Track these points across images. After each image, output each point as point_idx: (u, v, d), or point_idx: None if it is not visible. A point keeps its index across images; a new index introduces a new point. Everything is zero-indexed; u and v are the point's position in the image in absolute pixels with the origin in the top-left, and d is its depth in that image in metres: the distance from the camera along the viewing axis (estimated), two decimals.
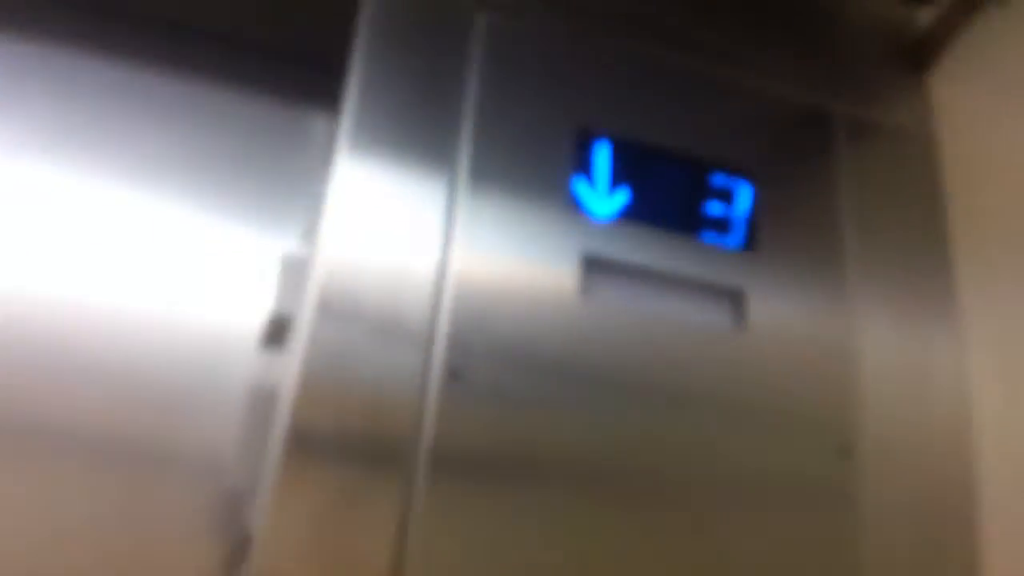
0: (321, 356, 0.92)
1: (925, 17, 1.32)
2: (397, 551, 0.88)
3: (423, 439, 0.92)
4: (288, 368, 0.98)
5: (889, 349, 1.12)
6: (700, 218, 1.12)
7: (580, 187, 1.09)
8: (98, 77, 1.27)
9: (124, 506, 1.10)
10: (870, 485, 1.05)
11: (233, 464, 1.13)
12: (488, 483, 0.94)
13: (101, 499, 1.09)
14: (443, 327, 0.97)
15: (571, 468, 0.97)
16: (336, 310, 0.95)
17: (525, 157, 1.08)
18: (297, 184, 1.29)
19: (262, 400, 1.11)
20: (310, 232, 1.16)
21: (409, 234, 1.00)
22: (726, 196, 1.14)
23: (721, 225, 1.13)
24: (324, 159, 1.21)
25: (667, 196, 1.13)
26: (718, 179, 1.15)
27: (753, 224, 1.14)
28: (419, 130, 1.05)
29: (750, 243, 1.13)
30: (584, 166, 1.10)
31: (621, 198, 1.10)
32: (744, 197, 1.15)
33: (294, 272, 1.09)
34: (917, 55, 1.31)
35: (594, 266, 1.05)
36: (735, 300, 1.09)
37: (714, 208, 1.13)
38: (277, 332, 1.14)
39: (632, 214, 1.10)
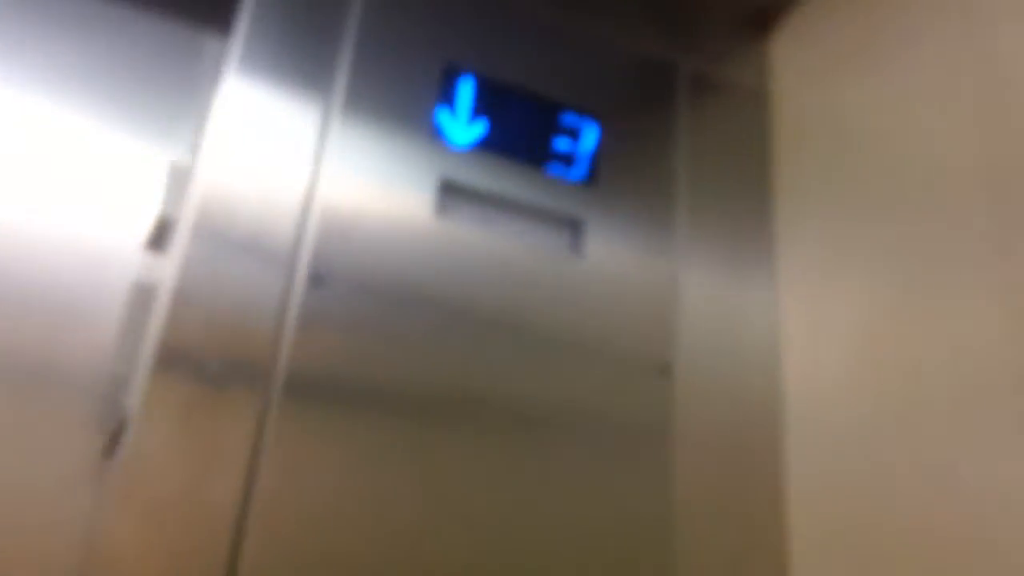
0: (197, 261, 1.01)
1: None
2: (253, 444, 0.97)
3: (283, 346, 1.02)
4: (167, 270, 1.07)
5: (710, 285, 1.27)
6: (549, 152, 1.25)
7: (443, 117, 1.20)
8: None
9: (13, 404, 1.16)
10: (685, 404, 1.18)
11: (114, 360, 1.21)
12: (338, 404, 1.03)
13: None
14: (308, 242, 1.07)
15: (413, 390, 1.06)
16: (213, 220, 1.03)
17: (396, 88, 1.19)
18: (189, 100, 1.35)
19: (143, 299, 1.19)
20: (197, 145, 1.23)
21: (284, 155, 1.10)
22: (574, 134, 1.27)
23: (567, 159, 1.26)
24: (213, 78, 1.29)
25: (520, 130, 1.25)
26: (568, 118, 1.27)
27: (596, 161, 1.27)
28: (301, 58, 1.14)
29: (592, 178, 1.26)
30: (448, 98, 1.21)
31: (479, 129, 1.22)
32: (590, 136, 1.28)
33: (180, 180, 1.17)
34: (761, 19, 1.45)
35: (450, 191, 1.17)
36: (574, 229, 1.22)
37: (562, 144, 1.26)
38: (160, 234, 1.22)
39: (488, 144, 1.22)
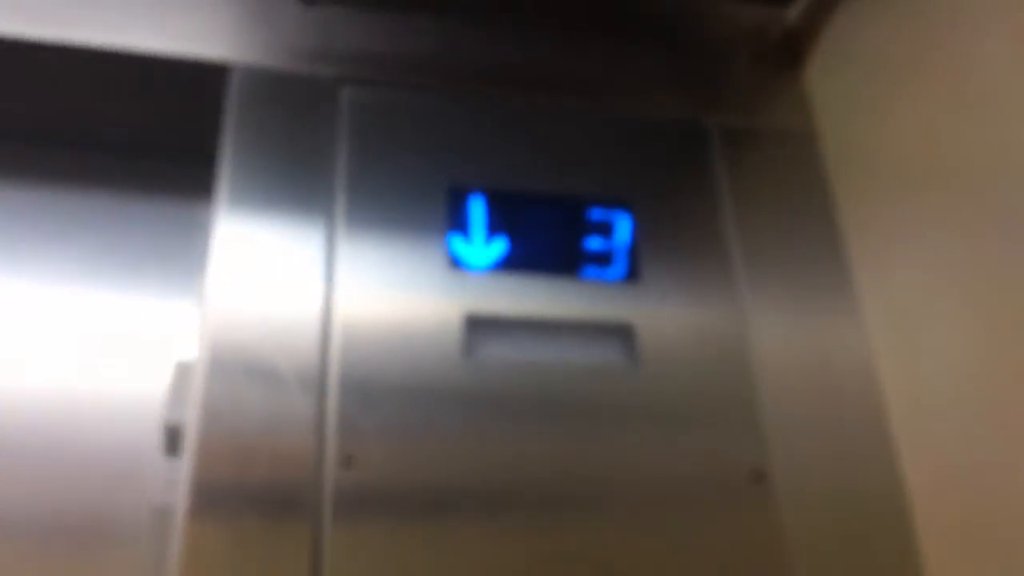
0: (217, 408, 0.93)
1: (791, 15, 1.31)
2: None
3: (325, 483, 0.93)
4: (190, 416, 0.98)
5: (793, 357, 1.11)
6: (580, 255, 1.12)
7: (456, 244, 1.09)
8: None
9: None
10: (791, 514, 1.02)
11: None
12: (394, 518, 0.93)
13: None
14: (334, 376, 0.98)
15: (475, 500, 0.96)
16: (226, 356, 0.96)
17: (400, 216, 1.09)
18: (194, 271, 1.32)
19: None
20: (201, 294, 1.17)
21: (291, 288, 1.01)
22: (605, 230, 1.14)
23: (603, 259, 1.12)
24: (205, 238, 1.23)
25: (545, 239, 1.13)
26: (595, 213, 1.15)
27: (635, 254, 1.13)
28: (294, 192, 1.07)
29: (633, 274, 1.12)
30: (459, 223, 1.11)
31: (498, 248, 1.11)
32: (623, 228, 1.14)
33: (185, 379, 1.10)
34: (788, 54, 1.31)
35: (476, 324, 1.05)
36: (625, 335, 1.08)
37: (593, 243, 1.13)
38: (173, 440, 1.14)
39: (511, 263, 1.10)
